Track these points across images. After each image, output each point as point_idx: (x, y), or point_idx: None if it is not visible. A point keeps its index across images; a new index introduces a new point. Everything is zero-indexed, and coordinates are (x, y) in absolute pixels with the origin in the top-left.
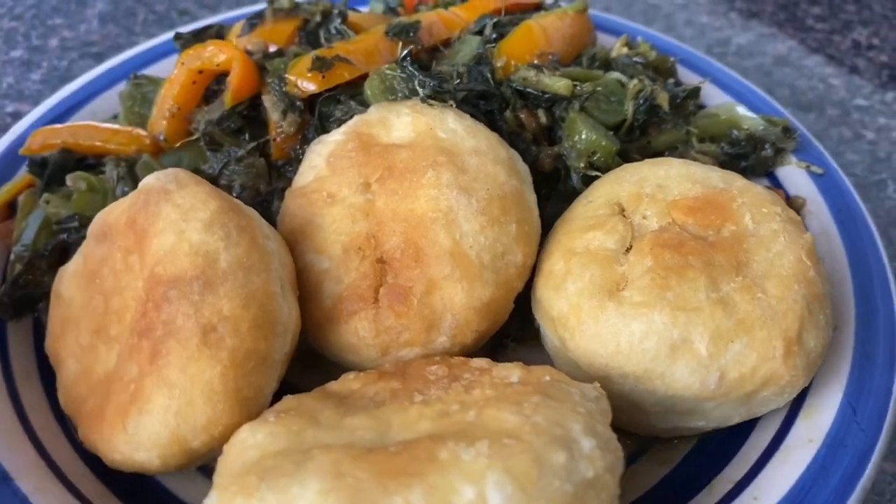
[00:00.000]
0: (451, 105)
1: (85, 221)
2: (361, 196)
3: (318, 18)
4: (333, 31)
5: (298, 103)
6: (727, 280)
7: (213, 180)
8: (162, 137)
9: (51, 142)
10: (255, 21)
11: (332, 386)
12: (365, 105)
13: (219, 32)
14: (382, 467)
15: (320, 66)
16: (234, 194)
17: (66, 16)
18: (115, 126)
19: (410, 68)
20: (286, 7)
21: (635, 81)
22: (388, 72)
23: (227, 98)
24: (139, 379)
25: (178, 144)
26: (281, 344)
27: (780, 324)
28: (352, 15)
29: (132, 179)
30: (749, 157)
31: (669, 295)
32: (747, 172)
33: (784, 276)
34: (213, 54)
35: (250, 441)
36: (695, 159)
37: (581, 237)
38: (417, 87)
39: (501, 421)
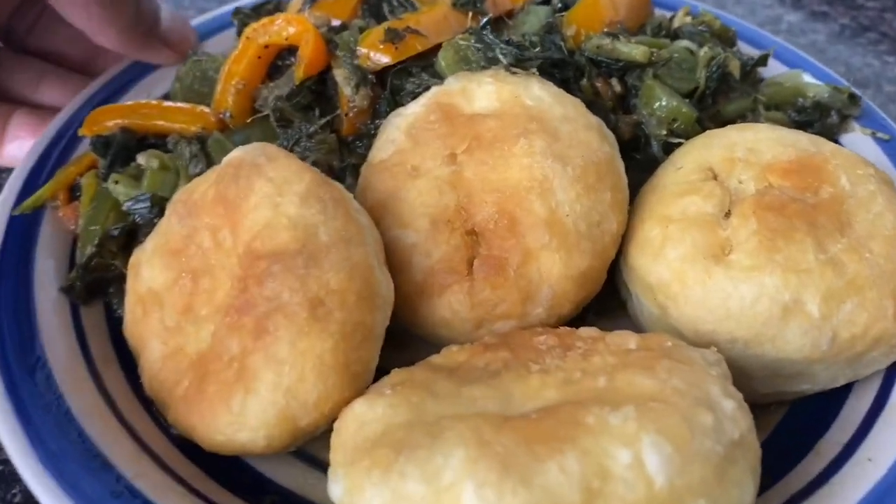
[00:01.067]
0: (534, 73)
1: (157, 200)
2: (447, 168)
3: None
4: (396, 3)
5: (370, 77)
6: (833, 241)
7: None
8: (228, 115)
9: (111, 121)
10: None
11: (436, 359)
12: (438, 77)
13: (277, 7)
14: (528, 434)
15: (392, 37)
16: None
17: None
18: (180, 104)
19: (490, 37)
20: None
21: (705, 49)
22: (462, 42)
23: (298, 73)
24: (242, 357)
25: (247, 121)
26: (382, 318)
27: (889, 283)
28: None
29: (205, 157)
30: (815, 125)
31: (778, 257)
32: None
33: (888, 235)
34: (282, 28)
35: (369, 415)
36: None
37: (676, 203)
38: (499, 55)
39: (638, 385)
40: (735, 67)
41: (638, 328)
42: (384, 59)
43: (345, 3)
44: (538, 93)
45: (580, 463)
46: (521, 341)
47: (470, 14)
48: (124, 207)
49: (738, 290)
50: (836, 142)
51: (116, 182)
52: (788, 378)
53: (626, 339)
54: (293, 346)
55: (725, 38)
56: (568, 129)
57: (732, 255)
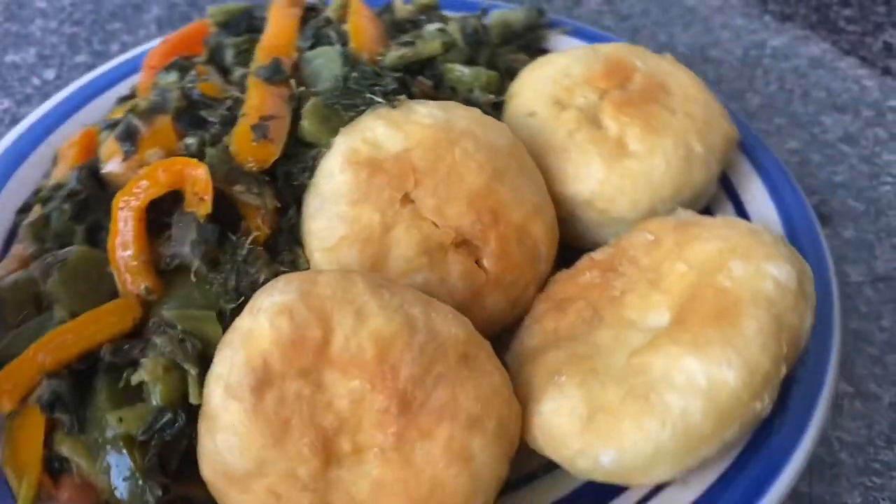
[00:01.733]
0: (402, 98)
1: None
2: (408, 208)
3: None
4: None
5: (263, 177)
6: (670, 102)
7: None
8: (145, 290)
9: (24, 385)
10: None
11: (531, 342)
12: (310, 146)
13: None
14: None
15: (261, 134)
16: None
17: (124, 20)
18: (88, 316)
19: (361, 81)
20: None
21: (452, 24)
22: (318, 102)
23: (202, 212)
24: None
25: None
26: None
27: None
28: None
29: (181, 338)
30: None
31: (657, 128)
32: None
33: (691, 89)
34: (159, 179)
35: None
36: None
37: (561, 137)
38: (374, 93)
39: (710, 251)
40: (478, 26)
41: None
42: (271, 157)
43: (165, 130)
44: (431, 111)
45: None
46: (576, 288)
47: (291, 83)
48: (142, 438)
49: (654, 164)
50: (545, 50)
51: (120, 420)
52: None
53: (642, 234)
54: None
55: (435, 7)
56: (478, 130)
57: (630, 147)
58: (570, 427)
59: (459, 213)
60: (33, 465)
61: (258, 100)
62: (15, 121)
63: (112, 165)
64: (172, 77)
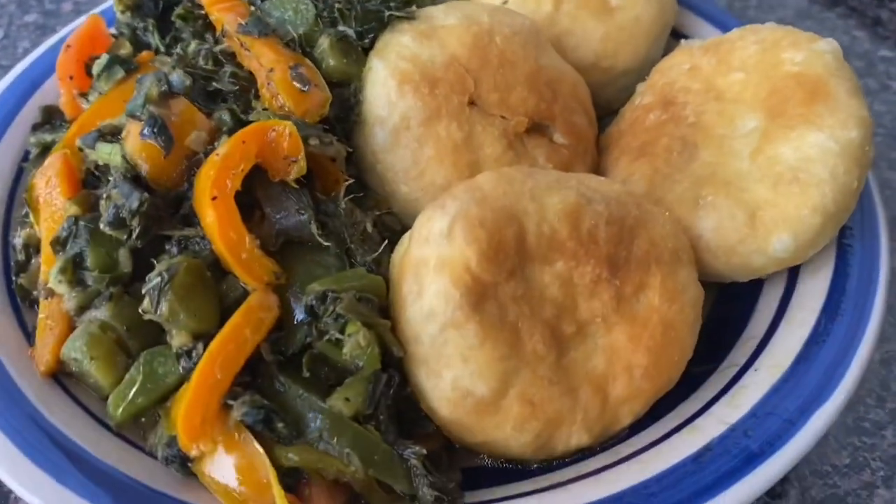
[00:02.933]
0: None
1: None
2: (472, 109)
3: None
4: None
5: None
6: None
7: None
8: (277, 276)
9: None
10: None
11: None
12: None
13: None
14: None
15: (302, 81)
16: None
17: None
18: None
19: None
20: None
21: None
22: (332, 38)
23: (298, 172)
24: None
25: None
26: None
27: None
28: None
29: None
30: None
31: None
32: None
33: None
34: (245, 154)
35: None
36: None
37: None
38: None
39: (754, 53)
40: None
41: None
42: (326, 102)
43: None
44: (448, 13)
45: None
46: (647, 132)
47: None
48: (368, 412)
49: (639, 11)
50: None
51: (347, 400)
52: None
53: (674, 68)
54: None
55: None
56: (502, 17)
57: (612, 3)
58: (738, 233)
59: (523, 99)
60: (278, 493)
61: (272, 53)
62: None
63: (147, 167)
64: (118, 74)
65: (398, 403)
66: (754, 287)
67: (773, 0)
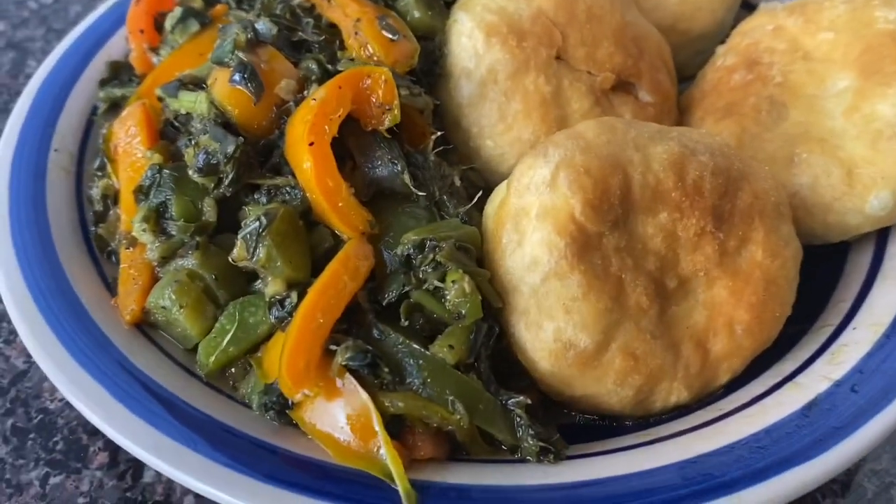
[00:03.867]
0: None
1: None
2: (559, 62)
3: None
4: None
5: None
6: None
7: None
8: (370, 224)
9: None
10: None
11: None
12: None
13: None
14: None
15: (392, 31)
16: None
17: None
18: None
19: None
20: None
21: None
22: None
23: (392, 119)
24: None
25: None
26: None
27: None
28: None
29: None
30: None
31: None
32: None
33: None
34: (342, 100)
35: None
36: None
37: None
38: None
39: (843, 13)
40: None
41: None
42: (415, 53)
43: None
44: None
45: None
46: (732, 92)
47: None
48: (469, 361)
49: None
50: None
51: (451, 348)
52: None
53: (758, 29)
54: None
55: None
56: None
57: None
58: (835, 190)
59: (610, 55)
60: (384, 439)
61: (357, 4)
62: (10, 44)
63: (237, 112)
64: (194, 27)
65: (494, 356)
66: (839, 252)
67: None
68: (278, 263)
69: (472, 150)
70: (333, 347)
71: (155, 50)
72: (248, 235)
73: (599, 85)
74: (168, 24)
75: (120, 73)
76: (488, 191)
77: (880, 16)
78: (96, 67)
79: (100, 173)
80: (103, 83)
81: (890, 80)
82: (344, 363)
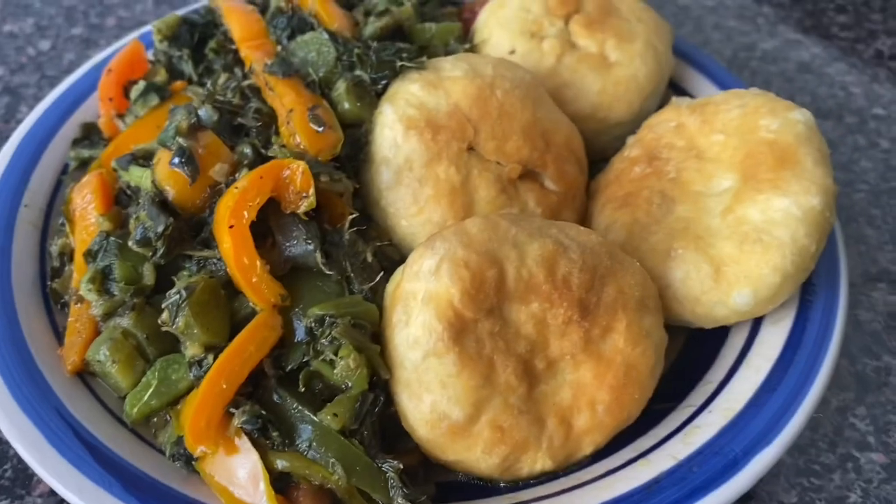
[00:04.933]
0: (423, 60)
1: None
2: (467, 155)
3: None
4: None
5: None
6: (627, 16)
7: None
8: (280, 298)
9: None
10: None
11: None
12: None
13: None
14: None
15: (319, 122)
16: None
17: None
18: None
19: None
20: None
21: None
22: (349, 83)
23: (305, 208)
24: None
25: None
26: None
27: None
28: None
29: None
30: None
31: (629, 38)
32: None
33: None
34: (260, 189)
35: None
36: None
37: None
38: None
39: (736, 117)
40: None
41: None
42: (338, 143)
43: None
44: (456, 64)
45: None
46: (631, 183)
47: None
48: (353, 427)
49: (637, 67)
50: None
51: (335, 416)
52: None
53: (663, 124)
54: None
55: None
56: (505, 70)
57: (612, 59)
58: (703, 285)
59: (518, 147)
60: (267, 493)
61: (294, 94)
62: (7, 89)
63: (174, 193)
64: (153, 101)
65: (383, 420)
66: (721, 334)
67: (776, 53)
68: (195, 331)
69: (389, 227)
70: (233, 410)
71: (121, 117)
72: (171, 305)
73: (507, 174)
74: (132, 95)
75: (91, 134)
76: (402, 264)
77: (763, 124)
78: (71, 127)
79: (63, 229)
80: (75, 143)
81: (762, 186)
82: (239, 425)
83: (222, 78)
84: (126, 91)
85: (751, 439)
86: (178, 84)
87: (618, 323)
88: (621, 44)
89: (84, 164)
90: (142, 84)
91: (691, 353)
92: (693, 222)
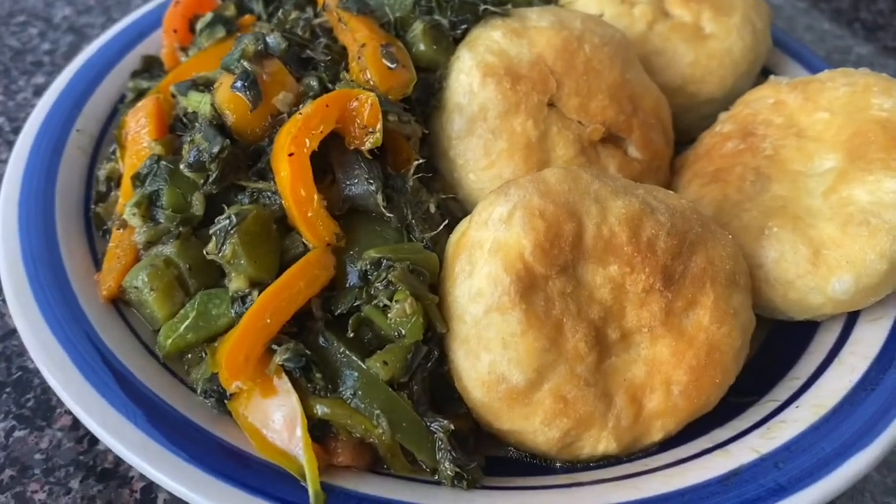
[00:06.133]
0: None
1: None
2: (549, 109)
3: None
4: None
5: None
6: None
7: None
8: (337, 238)
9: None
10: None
11: None
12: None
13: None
14: None
15: (392, 59)
16: None
17: None
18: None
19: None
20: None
21: None
22: (426, 24)
23: (372, 143)
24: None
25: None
26: None
27: None
28: None
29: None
30: None
31: (727, 11)
32: None
33: None
34: (326, 117)
35: None
36: None
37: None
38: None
39: (843, 95)
40: None
41: None
42: (411, 83)
43: None
44: (542, 15)
45: None
46: (723, 159)
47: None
48: (403, 380)
49: (733, 42)
50: None
51: (385, 364)
52: None
53: (760, 101)
54: None
55: None
56: (594, 26)
57: (706, 30)
58: (798, 268)
59: (603, 108)
60: (304, 440)
61: (367, 29)
62: (72, 28)
63: (233, 118)
64: (220, 33)
65: (434, 379)
66: (808, 330)
67: (872, 58)
68: (242, 261)
69: (455, 180)
70: (276, 347)
71: (185, 50)
72: (219, 232)
73: (588, 136)
74: (198, 26)
75: (152, 67)
76: None
77: (876, 103)
78: (133, 60)
79: (113, 157)
80: (135, 74)
81: (871, 166)
82: (280, 363)
83: (294, 14)
84: (192, 24)
85: (845, 440)
86: (248, 18)
87: (704, 297)
88: (718, 16)
89: (142, 96)
90: (209, 15)
91: (774, 346)
92: (791, 201)
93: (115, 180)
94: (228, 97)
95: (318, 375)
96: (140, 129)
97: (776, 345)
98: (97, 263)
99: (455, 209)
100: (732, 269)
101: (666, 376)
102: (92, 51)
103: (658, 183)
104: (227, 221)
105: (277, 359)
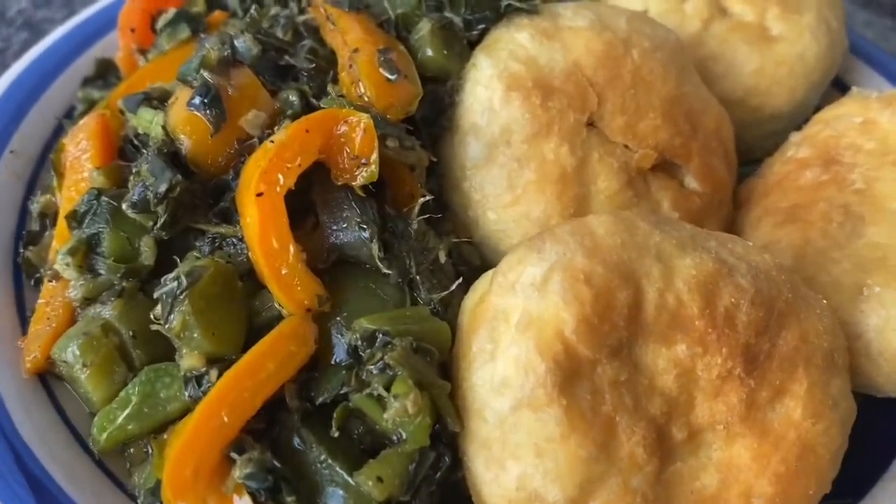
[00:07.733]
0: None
1: None
2: (588, 130)
3: None
4: None
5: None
6: None
7: None
8: (319, 301)
9: None
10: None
11: None
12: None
13: None
14: None
15: (391, 69)
16: None
17: None
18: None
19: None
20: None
21: None
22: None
23: (367, 177)
24: None
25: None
26: None
27: None
28: None
29: None
30: None
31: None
32: None
33: None
34: (306, 147)
35: None
36: None
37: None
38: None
39: None
40: None
41: None
42: (415, 98)
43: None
44: (578, 11)
45: None
46: (800, 192)
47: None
48: (404, 499)
49: (806, 45)
50: None
51: (380, 480)
52: None
53: (844, 119)
54: None
55: None
56: (643, 26)
57: (773, 31)
58: None
59: (655, 128)
60: None
61: (361, 30)
62: (28, 24)
63: (189, 144)
64: (183, 34)
65: (444, 490)
66: None
67: None
68: (195, 334)
69: (470, 220)
70: (235, 456)
71: (144, 53)
72: (165, 296)
73: (636, 163)
74: (159, 25)
75: (107, 73)
76: (484, 270)
77: None
78: (85, 63)
79: (52, 185)
80: (86, 82)
81: None
82: (241, 480)
83: (273, 9)
84: (154, 23)
85: None
86: (217, 15)
87: (796, 385)
88: (787, 13)
89: (93, 107)
90: (172, 11)
91: (867, 434)
92: (892, 250)
93: (50, 217)
94: (184, 117)
95: (291, 498)
96: (80, 153)
97: (868, 427)
98: (25, 323)
99: (471, 255)
100: (831, 346)
101: (745, 487)
102: (36, 53)
103: (720, 220)
104: (176, 283)
105: (237, 473)
